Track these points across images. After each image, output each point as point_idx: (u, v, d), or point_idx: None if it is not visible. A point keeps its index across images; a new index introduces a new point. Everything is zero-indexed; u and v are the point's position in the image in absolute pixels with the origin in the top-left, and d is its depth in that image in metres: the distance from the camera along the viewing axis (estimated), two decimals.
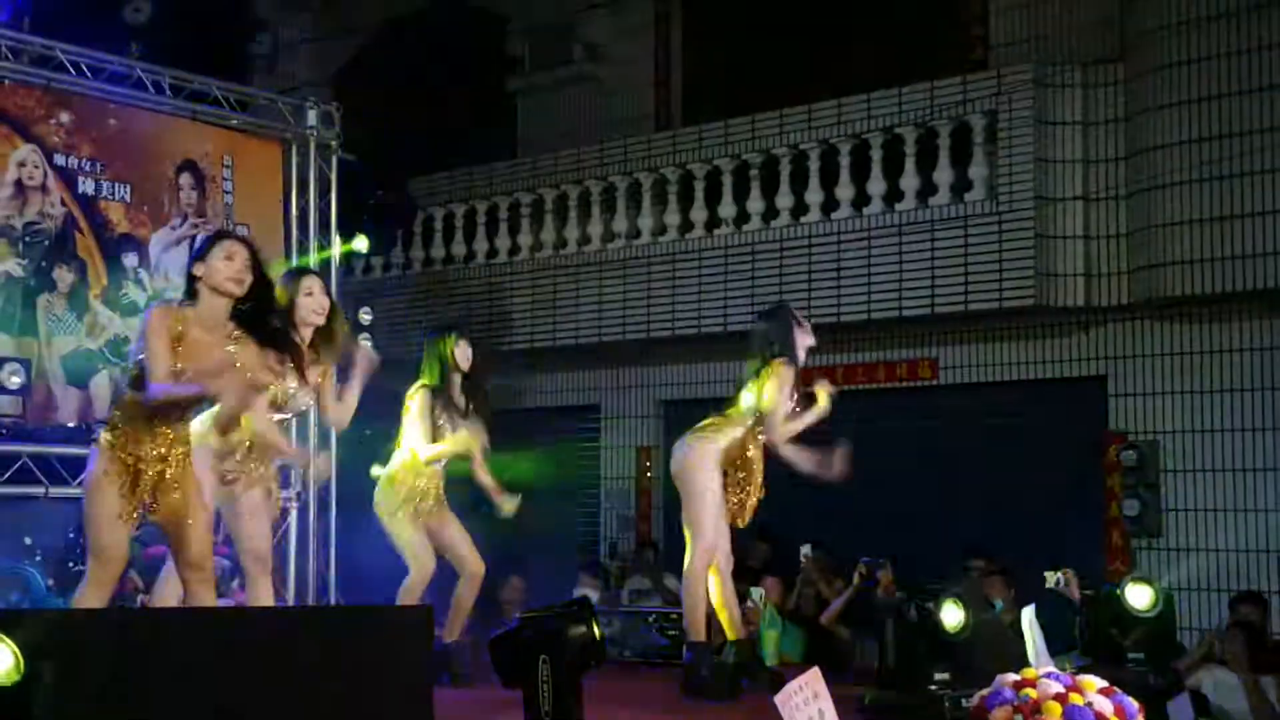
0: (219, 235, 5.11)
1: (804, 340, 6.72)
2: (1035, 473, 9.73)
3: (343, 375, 5.92)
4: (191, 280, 4.85)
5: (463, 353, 6.98)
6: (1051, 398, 9.97)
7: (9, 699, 3.26)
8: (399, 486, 6.82)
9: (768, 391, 6.52)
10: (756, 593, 8.46)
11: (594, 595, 9.71)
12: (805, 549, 9.46)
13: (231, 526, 5.51)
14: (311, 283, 5.86)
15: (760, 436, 6.68)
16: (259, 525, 5.48)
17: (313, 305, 5.78)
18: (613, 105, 12.69)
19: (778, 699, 4.06)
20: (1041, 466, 9.75)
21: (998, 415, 10.15)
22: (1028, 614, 5.48)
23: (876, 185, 10.15)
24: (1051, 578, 7.29)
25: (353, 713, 4.02)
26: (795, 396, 6.63)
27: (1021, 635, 5.49)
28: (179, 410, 4.75)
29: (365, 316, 10.47)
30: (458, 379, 7.00)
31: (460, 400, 6.98)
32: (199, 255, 4.89)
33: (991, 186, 9.65)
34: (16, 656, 3.29)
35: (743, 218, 10.88)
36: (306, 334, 5.78)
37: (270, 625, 4.34)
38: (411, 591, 6.79)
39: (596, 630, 4.57)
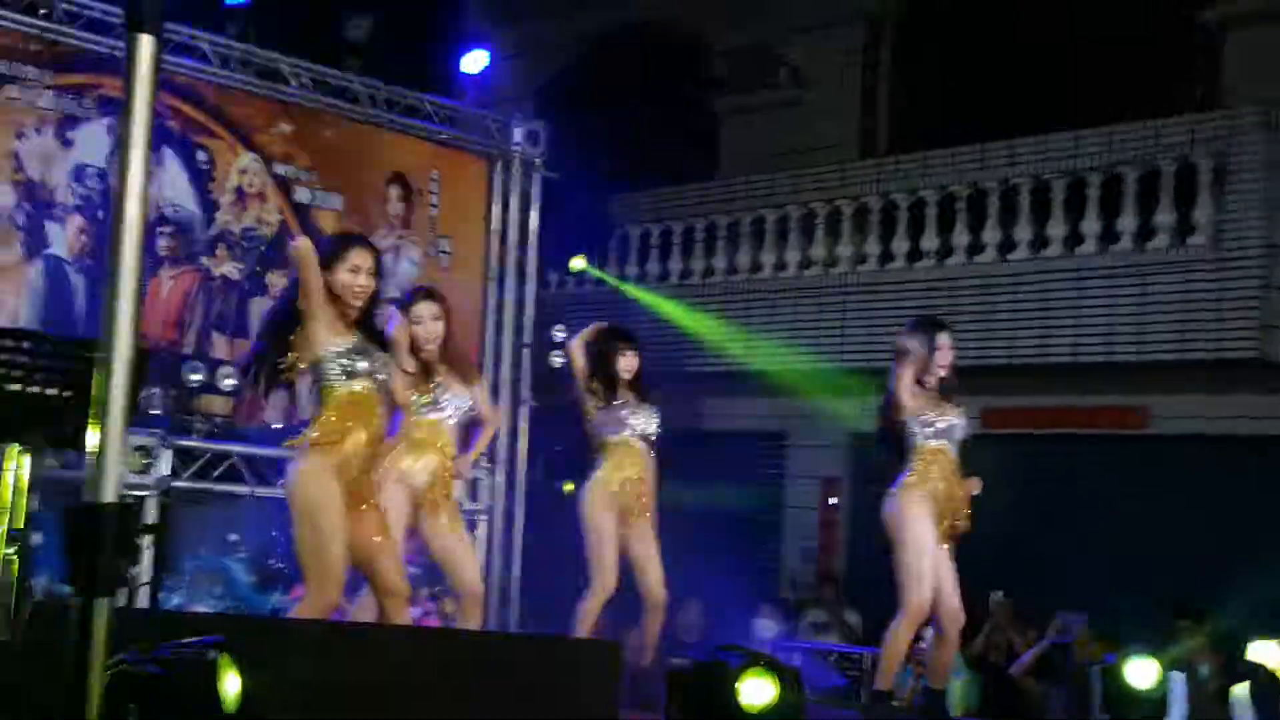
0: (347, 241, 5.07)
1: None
2: (1251, 533, 9.23)
3: None
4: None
5: (626, 363, 6.82)
6: (1273, 455, 9.46)
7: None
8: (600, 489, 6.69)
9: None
10: (930, 633, 8.25)
11: (773, 628, 9.61)
12: (996, 596, 9.20)
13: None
14: (422, 309, 5.82)
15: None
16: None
17: (425, 334, 5.76)
18: (816, 130, 12.54)
19: None
20: (1258, 527, 9.25)
21: (1212, 470, 9.68)
22: (1240, 692, 5.20)
23: (1091, 225, 9.81)
24: (1263, 649, 6.90)
25: None
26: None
27: (1224, 703, 5.22)
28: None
29: (559, 334, 10.54)
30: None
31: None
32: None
33: (1216, 231, 9.23)
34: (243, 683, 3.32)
35: (946, 251, 10.64)
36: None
37: (464, 649, 4.34)
38: (590, 611, 6.70)
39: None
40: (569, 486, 10.70)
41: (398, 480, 5.60)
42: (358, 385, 4.74)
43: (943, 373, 6.37)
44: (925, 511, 6.20)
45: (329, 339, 4.72)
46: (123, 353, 2.56)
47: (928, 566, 6.17)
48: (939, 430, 6.27)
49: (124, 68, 2.57)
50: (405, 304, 5.87)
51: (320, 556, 4.60)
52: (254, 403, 8.79)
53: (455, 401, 5.89)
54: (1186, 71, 10.50)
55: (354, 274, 4.76)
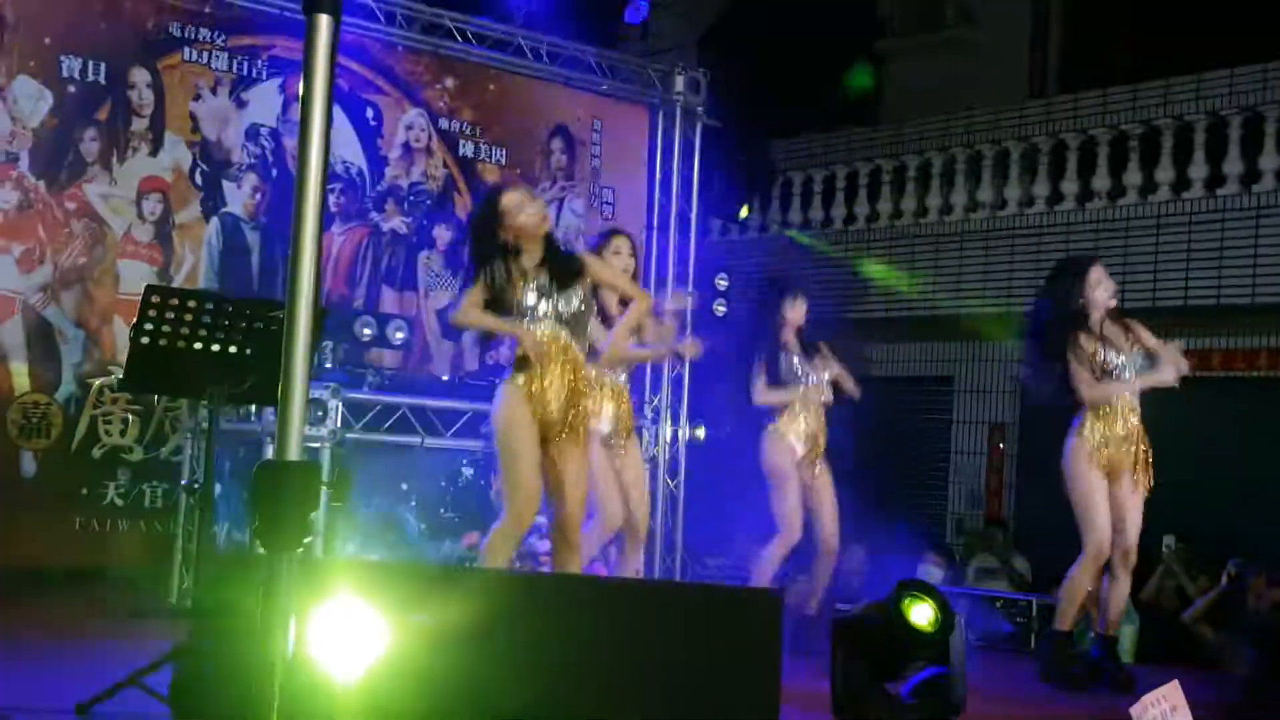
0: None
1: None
2: None
3: None
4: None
5: (795, 311, 6.97)
6: None
7: None
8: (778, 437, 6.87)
9: None
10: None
11: (939, 574, 9.55)
12: (1168, 540, 9.03)
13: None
14: (620, 243, 6.07)
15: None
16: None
17: (621, 265, 5.96)
18: (984, 70, 12.29)
19: (1134, 709, 3.90)
20: None
21: None
22: None
23: (1271, 161, 9.46)
24: None
25: (700, 694, 4.06)
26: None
27: None
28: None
29: (721, 281, 10.57)
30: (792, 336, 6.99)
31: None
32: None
33: None
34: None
35: (1118, 192, 10.36)
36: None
37: (625, 597, 4.43)
38: (774, 558, 6.84)
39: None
40: (699, 431, 10.77)
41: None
42: (546, 326, 5.01)
43: (1108, 307, 6.27)
44: (1096, 458, 6.16)
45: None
46: (304, 320, 2.67)
47: (1101, 510, 6.14)
48: (1111, 370, 6.19)
49: (299, 34, 2.65)
50: (599, 243, 6.13)
51: (510, 478, 5.00)
52: (423, 355, 9.03)
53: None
54: None
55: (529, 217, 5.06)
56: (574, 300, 5.08)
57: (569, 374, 5.02)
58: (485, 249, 5.08)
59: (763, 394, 6.90)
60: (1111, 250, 10.19)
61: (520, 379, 4.98)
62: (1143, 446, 6.30)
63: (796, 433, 6.88)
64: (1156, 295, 9.90)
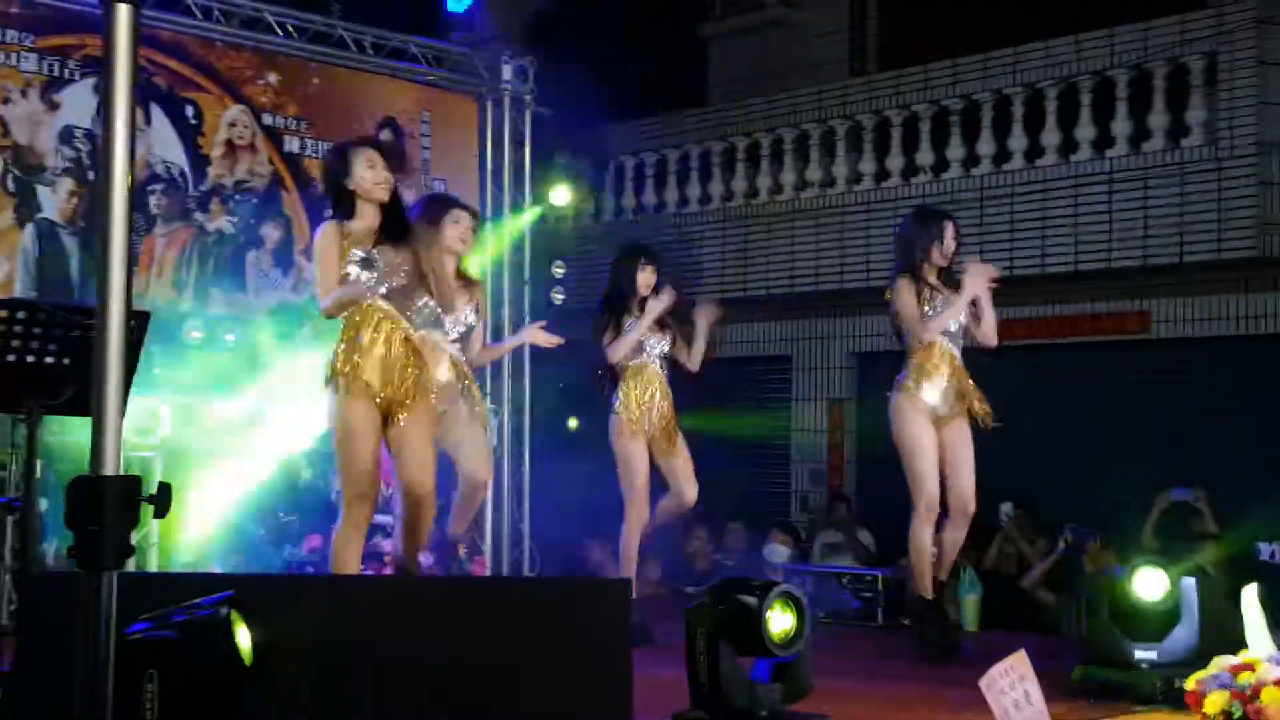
0: (356, 143, 5.25)
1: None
2: (1254, 433, 9.26)
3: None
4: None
5: (645, 278, 6.79)
6: (1274, 353, 9.47)
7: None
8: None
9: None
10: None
11: (785, 552, 9.67)
12: (1006, 508, 9.25)
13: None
14: (460, 214, 6.02)
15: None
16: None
17: (459, 234, 5.92)
18: (806, 50, 12.43)
19: (983, 682, 3.97)
20: (1262, 427, 9.28)
21: (1215, 371, 9.70)
22: (1249, 592, 5.21)
23: (1086, 131, 9.76)
24: (1266, 548, 6.95)
25: (552, 688, 4.03)
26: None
27: (1236, 604, 5.23)
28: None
29: (558, 269, 10.54)
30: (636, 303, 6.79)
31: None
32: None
33: (1211, 131, 9.18)
34: (251, 635, 3.37)
35: (941, 166, 10.59)
36: (450, 262, 5.83)
37: (470, 596, 4.38)
38: (632, 536, 6.69)
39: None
40: (573, 422, 10.77)
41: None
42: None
43: (944, 264, 6.36)
44: (921, 411, 6.22)
45: None
46: (116, 321, 2.56)
47: (930, 461, 6.21)
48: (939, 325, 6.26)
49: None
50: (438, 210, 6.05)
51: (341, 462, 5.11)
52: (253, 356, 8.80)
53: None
54: None
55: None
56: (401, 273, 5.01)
57: (399, 346, 4.96)
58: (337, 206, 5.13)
59: (616, 350, 6.67)
60: None
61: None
62: (971, 390, 6.35)
63: (641, 407, 6.70)
64: None
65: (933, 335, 6.25)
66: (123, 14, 2.57)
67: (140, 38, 2.59)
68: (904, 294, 6.30)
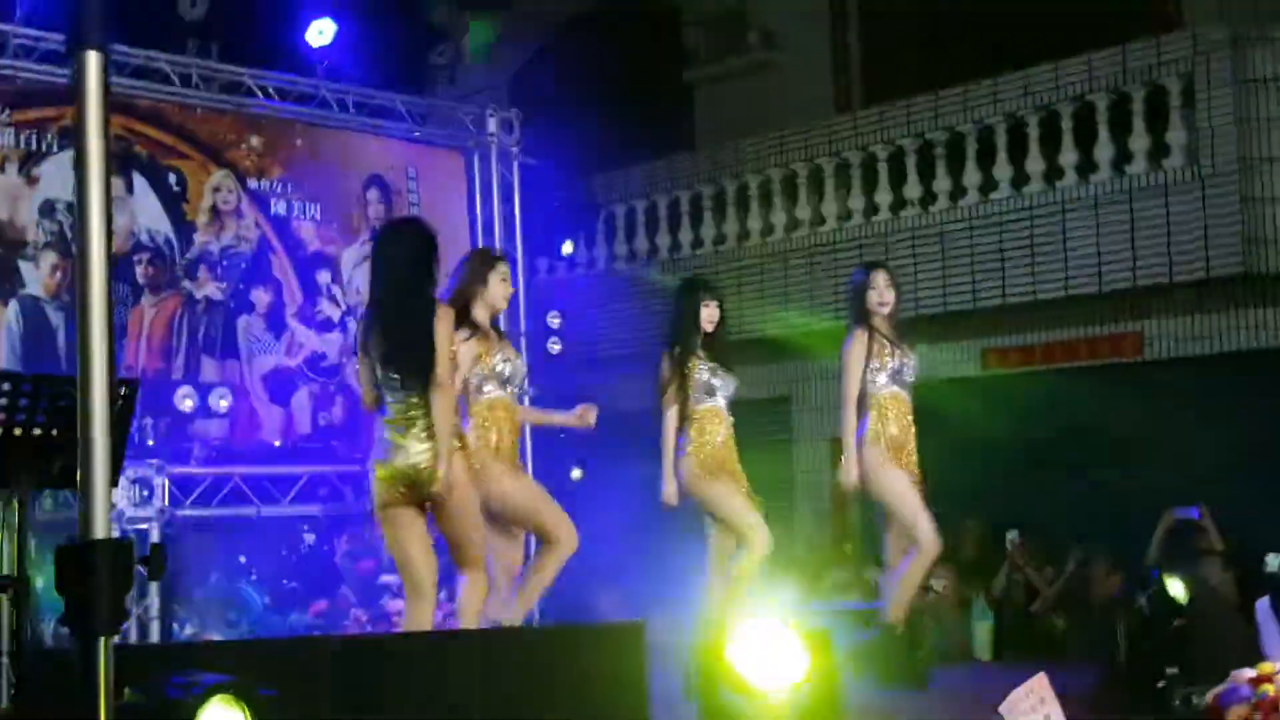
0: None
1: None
2: (1252, 451, 9.23)
3: None
4: None
5: (709, 314, 6.56)
6: (1267, 369, 9.46)
7: None
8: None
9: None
10: (939, 583, 8.26)
11: (795, 590, 9.59)
12: (1011, 535, 9.22)
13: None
14: (504, 267, 5.94)
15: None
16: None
17: (505, 292, 5.82)
18: (791, 91, 12.50)
19: (1003, 708, 3.94)
20: (1258, 444, 9.25)
21: (1210, 389, 9.67)
22: (1263, 605, 5.19)
23: (1069, 156, 9.79)
24: (1275, 561, 6.93)
25: None
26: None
27: (1249, 624, 5.21)
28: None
29: (554, 320, 10.52)
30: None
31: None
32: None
33: (1192, 151, 9.20)
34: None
35: (929, 198, 10.61)
36: (484, 317, 5.78)
37: (484, 647, 4.34)
38: (754, 567, 6.35)
39: None
40: (577, 473, 10.70)
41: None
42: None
43: (884, 311, 6.41)
44: (888, 458, 6.26)
45: None
46: (100, 386, 2.53)
47: (914, 505, 6.24)
48: (890, 374, 6.32)
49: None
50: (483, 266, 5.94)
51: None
52: (250, 422, 8.77)
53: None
54: None
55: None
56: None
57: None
58: None
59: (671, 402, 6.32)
60: (928, 256, 10.42)
61: None
62: (912, 447, 6.41)
63: (713, 449, 6.37)
64: (976, 295, 10.13)
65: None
66: (92, 61, 2.55)
67: (110, 90, 2.57)
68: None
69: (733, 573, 6.29)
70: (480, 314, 5.71)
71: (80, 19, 2.56)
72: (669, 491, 6.29)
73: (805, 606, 9.01)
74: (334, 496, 8.48)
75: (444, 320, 5.03)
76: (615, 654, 4.27)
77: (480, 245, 10.21)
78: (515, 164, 10.43)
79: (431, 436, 4.89)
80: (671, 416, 6.30)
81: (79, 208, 2.55)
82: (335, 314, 9.38)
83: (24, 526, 4.24)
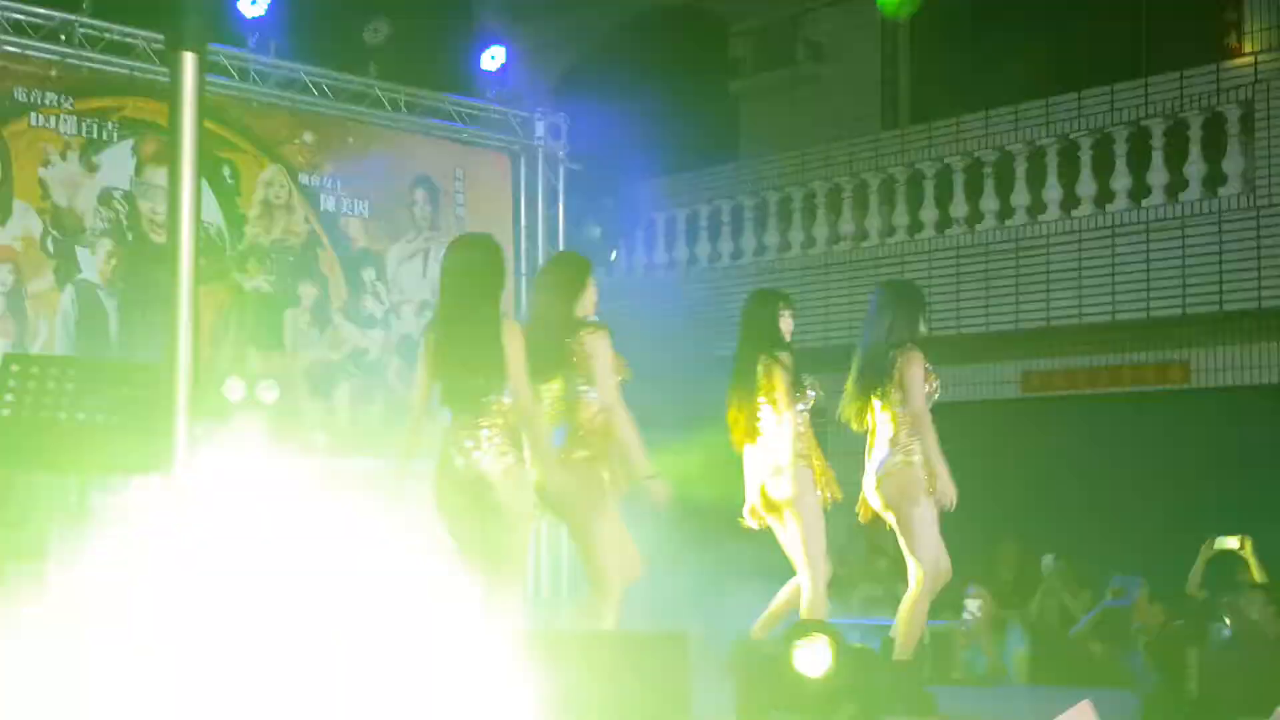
0: None
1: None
2: None
3: None
4: None
5: (786, 324, 6.54)
6: None
7: None
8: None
9: None
10: (974, 604, 8.22)
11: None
12: (1047, 559, 9.17)
13: None
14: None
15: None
16: None
17: (594, 299, 5.65)
18: (838, 105, 12.47)
19: None
20: None
21: (1256, 420, 9.59)
22: None
23: (1121, 181, 9.73)
24: None
25: None
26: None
27: None
28: None
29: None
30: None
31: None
32: None
33: (1248, 180, 9.14)
34: None
35: (975, 217, 10.57)
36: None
37: (551, 646, 4.34)
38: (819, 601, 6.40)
39: None
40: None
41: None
42: None
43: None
44: (923, 479, 6.19)
45: None
46: (184, 373, 2.56)
47: (934, 529, 6.19)
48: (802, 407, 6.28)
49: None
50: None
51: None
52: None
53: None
54: (1215, 21, 10.38)
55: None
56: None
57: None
58: None
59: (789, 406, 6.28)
60: (972, 275, 10.39)
61: None
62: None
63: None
64: (1020, 317, 10.09)
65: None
66: (189, 62, 2.58)
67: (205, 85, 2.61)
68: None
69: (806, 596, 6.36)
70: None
71: (179, 21, 2.59)
72: (793, 494, 6.25)
73: (835, 621, 8.98)
74: None
75: (515, 336, 5.03)
76: (658, 665, 4.26)
77: (524, 249, 10.24)
78: (561, 168, 10.45)
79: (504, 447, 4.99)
80: (792, 420, 6.28)
81: (170, 203, 2.58)
82: (379, 311, 9.41)
83: (85, 514, 4.28)
